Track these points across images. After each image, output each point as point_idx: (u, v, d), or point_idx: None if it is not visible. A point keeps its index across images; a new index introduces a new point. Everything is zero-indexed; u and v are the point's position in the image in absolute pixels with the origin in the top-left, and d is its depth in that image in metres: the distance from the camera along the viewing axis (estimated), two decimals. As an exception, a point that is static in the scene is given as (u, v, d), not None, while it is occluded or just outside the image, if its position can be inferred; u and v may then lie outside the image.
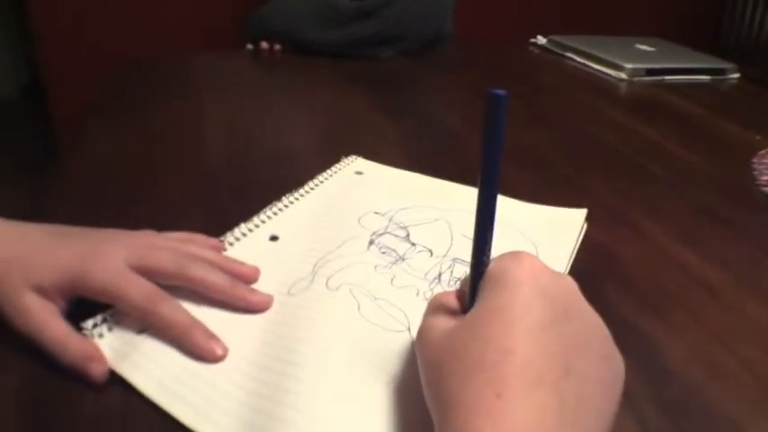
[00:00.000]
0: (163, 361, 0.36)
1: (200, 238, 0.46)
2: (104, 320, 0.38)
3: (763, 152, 0.78)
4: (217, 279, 0.40)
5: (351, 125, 0.80)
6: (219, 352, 0.36)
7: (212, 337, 0.37)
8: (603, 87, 1.05)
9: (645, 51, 1.23)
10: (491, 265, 0.31)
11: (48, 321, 0.36)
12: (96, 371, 0.35)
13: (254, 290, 0.42)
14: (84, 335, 0.37)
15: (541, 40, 1.30)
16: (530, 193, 0.59)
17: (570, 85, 1.04)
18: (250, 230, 0.50)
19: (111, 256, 0.38)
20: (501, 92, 0.28)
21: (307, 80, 1.03)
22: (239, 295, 0.40)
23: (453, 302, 0.33)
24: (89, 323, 0.38)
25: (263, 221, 0.51)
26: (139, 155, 0.71)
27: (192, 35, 2.06)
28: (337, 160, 0.65)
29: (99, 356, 0.36)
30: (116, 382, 0.35)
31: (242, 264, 0.44)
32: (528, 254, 0.31)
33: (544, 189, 0.62)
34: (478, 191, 0.29)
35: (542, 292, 0.29)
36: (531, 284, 0.29)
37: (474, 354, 0.27)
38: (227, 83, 1.00)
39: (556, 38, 1.27)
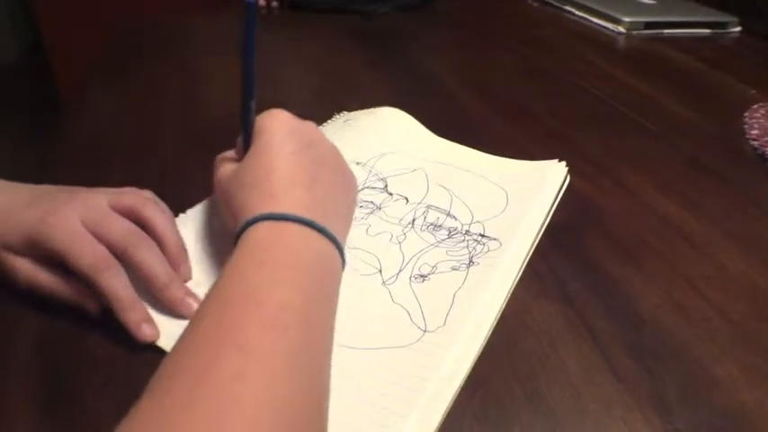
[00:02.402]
0: None
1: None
2: None
3: (755, 106, 0.77)
4: (155, 270, 0.39)
5: (346, 82, 0.79)
6: (148, 333, 0.37)
7: (146, 319, 0.38)
8: (601, 41, 1.03)
9: (645, 4, 1.20)
10: (256, 122, 0.41)
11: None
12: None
13: (185, 292, 0.40)
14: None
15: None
16: (513, 146, 0.59)
17: (567, 40, 1.02)
18: None
19: (69, 217, 0.38)
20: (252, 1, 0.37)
21: (303, 36, 1.02)
22: (169, 297, 0.39)
23: (232, 155, 0.44)
24: None
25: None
26: (140, 113, 0.71)
27: None
28: (331, 116, 0.65)
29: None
30: (123, 329, 0.37)
31: (183, 256, 0.42)
32: (280, 110, 0.42)
33: (528, 141, 0.62)
34: (242, 70, 0.40)
35: (291, 131, 0.41)
36: (283, 127, 0.41)
37: (251, 176, 0.38)
38: (225, 41, 0.99)
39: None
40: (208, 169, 0.44)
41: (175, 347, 0.29)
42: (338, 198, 0.41)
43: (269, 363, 0.28)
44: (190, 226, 0.46)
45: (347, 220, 0.42)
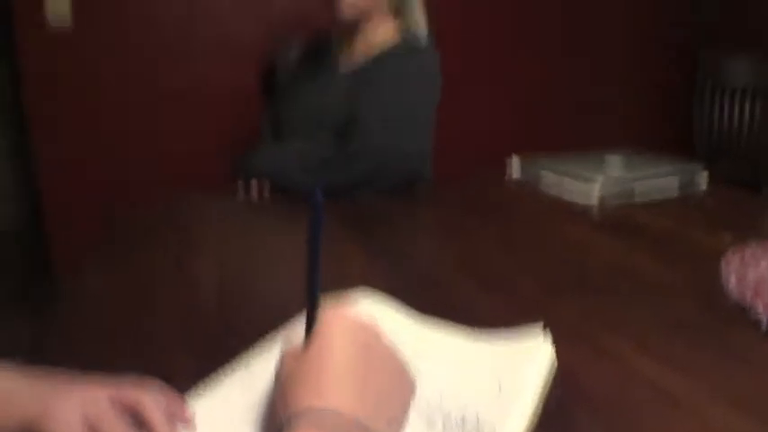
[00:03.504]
0: None
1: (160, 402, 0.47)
2: None
3: (730, 253, 0.80)
4: None
5: (332, 264, 0.82)
6: None
7: None
8: (575, 211, 1.08)
9: (614, 163, 1.28)
10: (319, 317, 0.43)
11: None
12: None
13: None
14: None
15: (515, 160, 1.36)
16: (496, 318, 0.61)
17: (544, 213, 1.07)
18: (233, 371, 0.52)
19: (68, 414, 0.41)
20: (318, 195, 0.41)
21: (292, 220, 1.07)
22: None
23: (299, 345, 0.44)
24: None
25: (241, 368, 0.53)
26: (135, 295, 0.74)
27: (188, 174, 2.17)
28: None
29: None
30: None
31: None
32: (344, 307, 0.45)
33: (511, 315, 0.64)
34: (308, 263, 0.42)
35: (351, 331, 0.42)
36: (342, 327, 0.42)
37: (303, 372, 0.40)
38: (219, 223, 1.06)
39: (528, 158, 1.33)
40: (198, 349, 0.45)
41: None
42: (393, 401, 0.42)
43: None
44: (205, 402, 0.47)
45: (400, 423, 0.43)
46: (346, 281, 0.73)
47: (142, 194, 2.10)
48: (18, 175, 3.48)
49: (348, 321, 0.44)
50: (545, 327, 0.57)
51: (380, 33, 1.37)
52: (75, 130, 2.07)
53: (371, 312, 0.63)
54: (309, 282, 0.43)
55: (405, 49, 1.35)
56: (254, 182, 1.23)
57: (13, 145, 3.42)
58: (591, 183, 1.14)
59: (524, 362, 0.54)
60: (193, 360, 0.50)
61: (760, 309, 0.63)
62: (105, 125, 2.10)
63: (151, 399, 0.44)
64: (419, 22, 1.41)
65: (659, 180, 1.19)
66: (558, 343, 0.56)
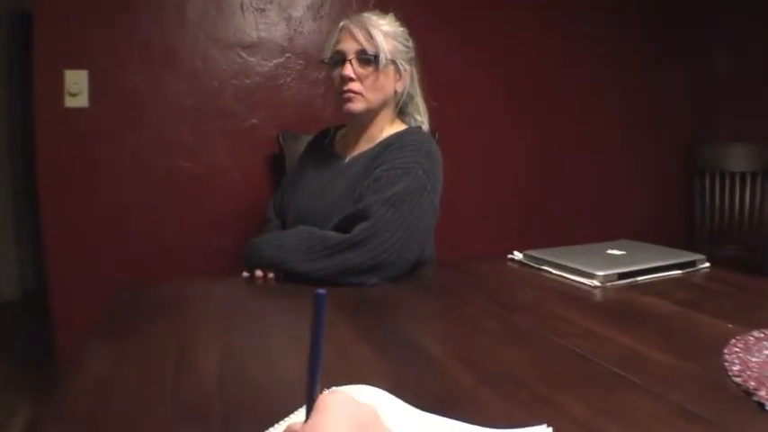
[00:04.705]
0: None
1: None
2: None
3: (733, 341, 0.81)
4: None
5: (337, 353, 0.83)
6: None
7: None
8: (578, 297, 1.10)
9: (615, 256, 1.30)
10: (318, 399, 0.45)
11: None
12: None
13: None
14: None
15: (518, 254, 1.39)
16: (501, 415, 0.61)
17: (545, 299, 1.09)
18: None
19: None
20: (322, 291, 0.42)
21: (297, 307, 1.08)
22: None
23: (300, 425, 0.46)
24: None
25: None
26: (135, 379, 0.74)
27: (195, 259, 2.23)
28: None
29: None
30: None
31: None
32: (342, 391, 0.46)
33: (516, 409, 0.64)
34: (310, 352, 0.44)
35: (347, 413, 0.43)
36: (339, 408, 0.44)
37: None
38: (222, 309, 1.06)
39: (531, 252, 1.36)
40: None
41: None
42: None
43: None
44: None
45: None
46: (350, 371, 0.74)
47: (147, 274, 2.14)
48: (24, 247, 3.55)
49: (347, 403, 0.45)
50: (551, 422, 0.58)
51: (385, 131, 1.44)
52: (84, 206, 2.11)
53: (373, 401, 0.63)
54: (310, 377, 0.45)
55: (409, 131, 1.41)
56: (258, 272, 1.25)
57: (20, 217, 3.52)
58: (592, 279, 1.16)
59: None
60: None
61: (764, 394, 0.64)
62: (111, 201, 2.14)
63: None
64: (423, 121, 1.48)
65: (661, 274, 1.21)
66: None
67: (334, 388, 0.47)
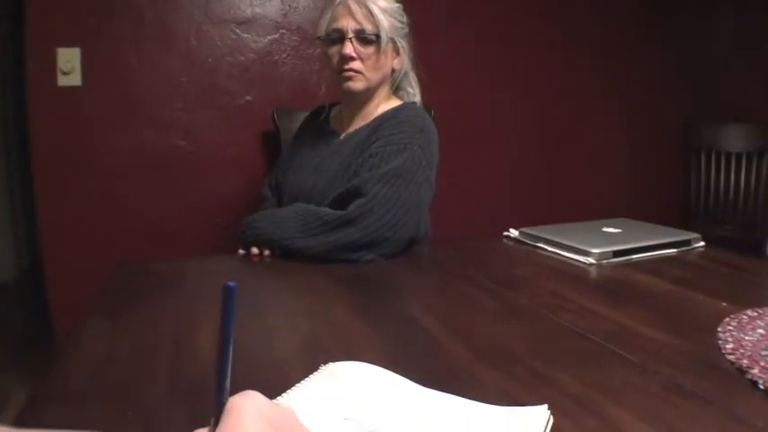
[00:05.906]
0: None
1: None
2: None
3: (727, 319, 0.81)
4: None
5: (333, 329, 0.84)
6: None
7: None
8: (573, 274, 1.10)
9: (611, 234, 1.30)
10: (228, 402, 0.41)
11: None
12: None
13: None
14: None
15: (513, 232, 1.39)
16: (497, 390, 0.62)
17: (541, 276, 1.09)
18: None
19: None
20: (232, 283, 0.38)
21: (293, 284, 1.09)
22: None
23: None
24: None
25: None
26: (132, 357, 0.75)
27: (190, 237, 2.23)
28: (317, 367, 0.67)
29: None
30: None
31: None
32: (254, 392, 0.42)
33: (512, 385, 0.64)
34: (218, 351, 0.40)
35: (262, 415, 0.40)
36: (253, 411, 0.40)
37: None
38: (218, 286, 1.05)
39: (527, 229, 1.36)
40: (192, 420, 0.45)
41: None
42: None
43: None
44: None
45: None
46: (347, 348, 0.74)
47: (142, 252, 2.13)
48: (19, 227, 3.55)
49: (261, 405, 0.42)
50: (547, 398, 0.58)
51: (381, 107, 1.42)
52: (79, 186, 2.10)
53: (376, 376, 0.64)
54: (219, 372, 0.41)
55: (405, 107, 1.40)
56: (254, 249, 1.25)
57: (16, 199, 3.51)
58: (587, 256, 1.16)
59: (520, 428, 0.54)
60: (186, 428, 0.50)
61: (757, 372, 0.64)
62: (106, 180, 2.14)
63: None
64: (415, 94, 1.47)
65: (656, 252, 1.21)
66: (560, 413, 0.57)
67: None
